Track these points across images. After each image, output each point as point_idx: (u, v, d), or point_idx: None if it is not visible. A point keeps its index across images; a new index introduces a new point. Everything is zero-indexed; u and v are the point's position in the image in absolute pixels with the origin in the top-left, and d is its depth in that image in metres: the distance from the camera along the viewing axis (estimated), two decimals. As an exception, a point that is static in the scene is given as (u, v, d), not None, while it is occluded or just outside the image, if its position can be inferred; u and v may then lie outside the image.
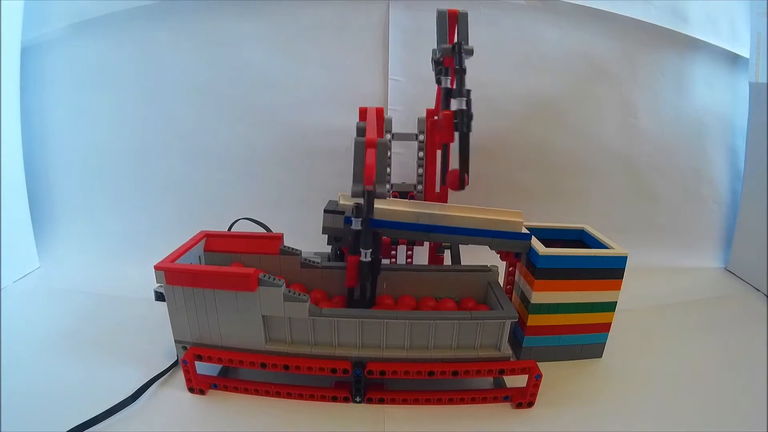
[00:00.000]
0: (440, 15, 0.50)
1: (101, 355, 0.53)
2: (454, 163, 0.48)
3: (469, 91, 0.46)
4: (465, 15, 0.50)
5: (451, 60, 0.48)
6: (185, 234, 0.53)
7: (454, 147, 0.47)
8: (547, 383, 0.47)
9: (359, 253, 0.45)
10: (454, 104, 0.46)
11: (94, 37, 0.74)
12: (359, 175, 0.42)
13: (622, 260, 0.52)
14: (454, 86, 0.47)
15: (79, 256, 0.77)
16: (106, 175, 0.79)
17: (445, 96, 0.47)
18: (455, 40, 0.50)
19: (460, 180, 0.47)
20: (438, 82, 0.51)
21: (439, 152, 0.55)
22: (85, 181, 0.79)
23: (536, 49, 0.77)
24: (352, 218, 0.46)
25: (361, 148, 0.42)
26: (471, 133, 0.46)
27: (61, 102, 0.76)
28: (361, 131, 0.46)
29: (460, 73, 0.46)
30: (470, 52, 0.48)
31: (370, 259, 0.45)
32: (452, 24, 0.51)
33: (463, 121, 0.45)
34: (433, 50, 0.54)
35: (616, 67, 0.79)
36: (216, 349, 0.46)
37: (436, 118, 0.59)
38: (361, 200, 0.44)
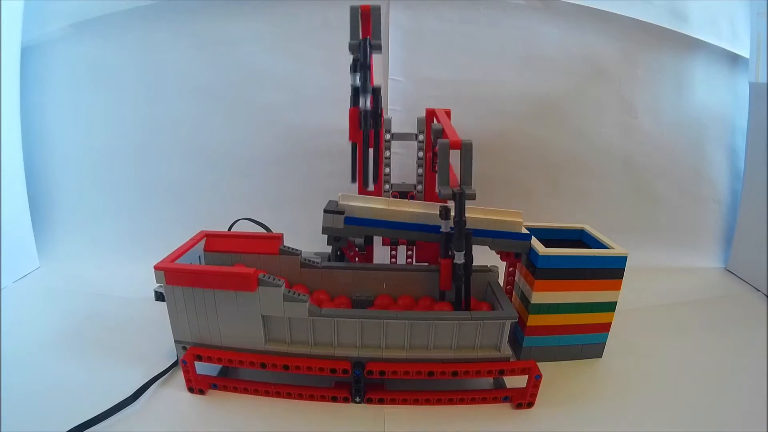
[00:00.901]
0: (442, 146, 0.45)
1: (101, 355, 0.53)
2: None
3: (470, 245, 0.46)
4: (469, 147, 0.45)
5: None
6: (185, 234, 0.53)
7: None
8: (547, 383, 0.47)
9: (357, 105, 0.50)
10: (457, 257, 0.46)
11: (94, 37, 0.74)
12: (354, 32, 0.49)
13: (622, 260, 0.52)
14: (454, 233, 0.46)
15: (79, 256, 0.77)
16: (106, 175, 0.79)
17: (446, 241, 0.47)
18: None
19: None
20: (433, 167, 0.54)
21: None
22: (85, 181, 0.79)
23: (536, 49, 0.77)
24: (350, 74, 0.50)
25: (355, 13, 0.49)
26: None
27: (61, 102, 0.76)
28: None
29: (460, 224, 0.45)
30: (472, 197, 0.45)
31: (370, 108, 0.50)
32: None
33: (459, 273, 0.46)
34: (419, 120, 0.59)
35: (616, 67, 0.80)
36: (216, 349, 0.46)
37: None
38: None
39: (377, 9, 0.49)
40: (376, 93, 0.51)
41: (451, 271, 0.47)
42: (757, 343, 0.60)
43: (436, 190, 0.46)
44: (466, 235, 0.46)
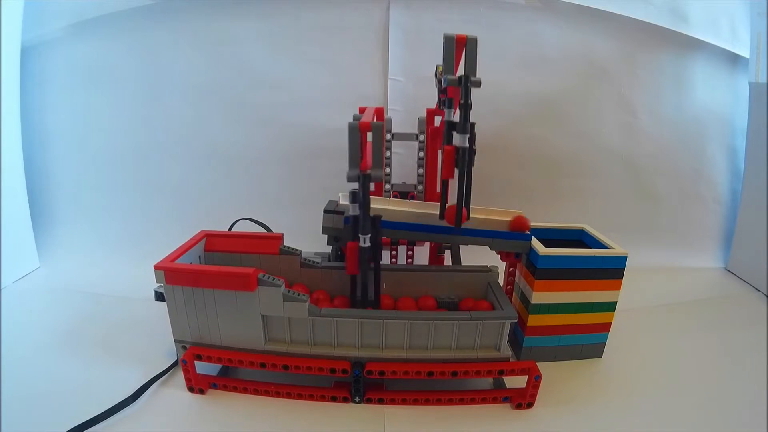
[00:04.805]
0: (447, 40, 0.46)
1: (101, 355, 0.53)
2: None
3: (473, 125, 0.44)
4: (474, 42, 0.46)
5: (456, 90, 0.45)
6: (185, 234, 0.53)
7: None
8: (547, 383, 0.47)
9: (358, 239, 0.45)
10: (457, 139, 0.44)
11: (94, 37, 0.74)
12: (354, 159, 0.42)
13: (622, 260, 0.52)
14: (459, 120, 0.44)
15: (79, 256, 0.77)
16: (106, 174, 0.79)
17: (448, 129, 0.45)
18: (462, 67, 0.47)
19: (457, 217, 0.47)
20: (440, 105, 0.49)
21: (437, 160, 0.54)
22: (84, 181, 0.79)
23: (536, 49, 0.77)
24: (349, 204, 0.45)
25: (354, 132, 0.42)
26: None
27: (61, 102, 0.76)
28: (357, 119, 0.46)
29: (466, 108, 0.44)
30: (477, 84, 0.44)
31: (369, 244, 0.45)
32: (460, 50, 0.47)
33: (464, 158, 0.44)
34: (437, 66, 0.54)
35: (616, 67, 0.79)
36: (216, 349, 0.46)
37: (437, 122, 0.59)
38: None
39: (378, 127, 0.42)
40: (375, 227, 0.45)
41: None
42: (757, 343, 0.60)
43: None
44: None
